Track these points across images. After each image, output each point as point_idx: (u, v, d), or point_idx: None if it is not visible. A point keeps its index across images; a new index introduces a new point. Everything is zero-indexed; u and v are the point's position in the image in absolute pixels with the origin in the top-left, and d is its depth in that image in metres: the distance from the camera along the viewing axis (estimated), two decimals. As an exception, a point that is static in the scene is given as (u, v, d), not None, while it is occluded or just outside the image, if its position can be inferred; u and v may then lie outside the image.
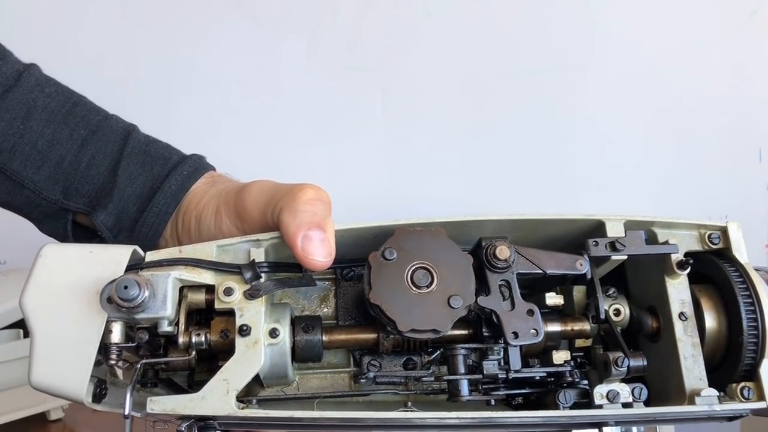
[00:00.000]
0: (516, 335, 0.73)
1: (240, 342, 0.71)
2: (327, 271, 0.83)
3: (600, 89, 1.45)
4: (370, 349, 0.79)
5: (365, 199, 1.38)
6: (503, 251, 0.75)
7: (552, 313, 0.81)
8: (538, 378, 0.75)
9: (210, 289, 0.72)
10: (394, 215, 0.78)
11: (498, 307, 0.74)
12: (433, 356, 0.79)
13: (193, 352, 0.71)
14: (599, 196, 1.43)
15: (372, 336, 0.78)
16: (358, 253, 0.79)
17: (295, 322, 0.76)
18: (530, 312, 0.74)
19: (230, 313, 0.72)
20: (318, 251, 0.72)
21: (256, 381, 0.72)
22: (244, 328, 0.70)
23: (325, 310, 0.82)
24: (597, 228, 0.78)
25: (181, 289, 0.72)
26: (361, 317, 0.82)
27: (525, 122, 1.47)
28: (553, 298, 0.80)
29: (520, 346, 0.74)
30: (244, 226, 0.76)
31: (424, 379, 0.76)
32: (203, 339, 0.71)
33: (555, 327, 0.80)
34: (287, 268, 0.75)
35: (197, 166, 0.84)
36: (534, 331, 0.74)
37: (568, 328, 0.80)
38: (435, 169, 1.44)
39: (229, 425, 0.68)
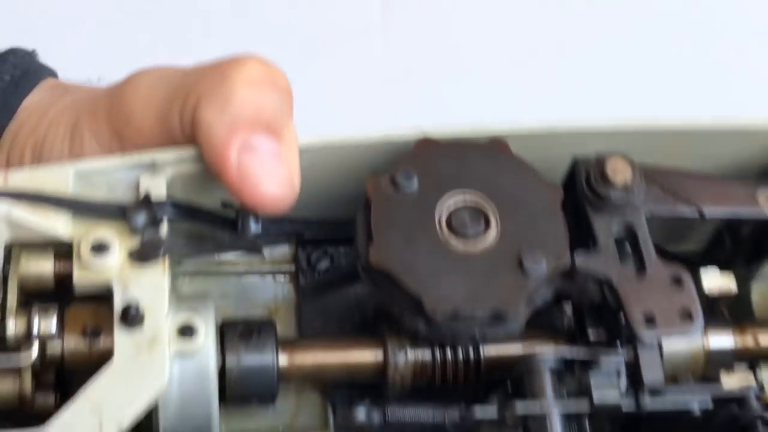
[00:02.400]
0: (651, 321, 0.68)
1: (124, 339, 0.66)
2: (282, 255, 0.82)
3: None
4: (367, 385, 0.74)
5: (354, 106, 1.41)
6: (620, 169, 0.71)
7: (715, 314, 0.77)
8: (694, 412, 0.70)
9: (64, 254, 0.70)
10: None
11: (614, 270, 0.70)
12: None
13: (34, 348, 0.67)
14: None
15: (372, 357, 0.73)
16: (343, 214, 0.77)
17: (224, 327, 0.73)
18: (677, 280, 0.70)
19: (100, 298, 0.69)
20: (268, 174, 0.69)
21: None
22: (133, 310, 0.66)
23: (279, 329, 0.77)
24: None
25: (9, 251, 0.70)
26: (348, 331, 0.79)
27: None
28: (715, 279, 0.75)
29: (661, 346, 0.70)
30: (127, 146, 0.74)
31: (477, 416, 0.69)
32: (54, 327, 0.67)
33: (723, 338, 0.76)
34: (209, 219, 0.73)
35: (26, 68, 0.84)
36: (686, 313, 0.69)
37: (750, 341, 0.76)
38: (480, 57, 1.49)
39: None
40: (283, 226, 0.76)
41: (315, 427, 0.78)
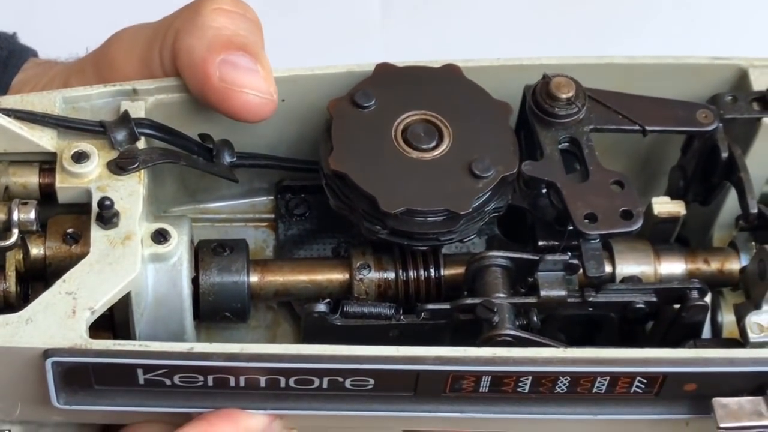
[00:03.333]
0: (593, 218, 0.71)
1: (99, 236, 0.70)
2: (263, 206, 0.85)
3: None
4: (335, 301, 0.75)
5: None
6: (564, 85, 0.74)
7: (667, 243, 0.79)
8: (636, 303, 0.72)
9: (48, 168, 0.73)
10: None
11: (559, 176, 0.72)
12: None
13: (15, 234, 0.69)
14: (728, 31, 1.43)
15: (340, 273, 0.76)
16: (316, 157, 0.79)
17: (200, 245, 0.76)
18: (618, 183, 0.72)
19: (80, 208, 0.72)
20: (249, 83, 0.72)
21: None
22: (108, 204, 0.69)
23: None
24: (735, 82, 0.79)
25: None
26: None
27: None
28: (664, 205, 0.77)
29: (612, 273, 0.75)
30: None
31: (430, 307, 0.72)
32: (32, 219, 0.70)
33: (675, 263, 0.78)
34: (186, 143, 0.76)
35: (11, 48, 0.88)
36: (627, 213, 0.71)
37: (702, 264, 0.78)
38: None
39: (73, 370, 0.66)
40: (258, 161, 0.79)
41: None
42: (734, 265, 0.78)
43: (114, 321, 0.73)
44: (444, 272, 0.75)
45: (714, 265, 0.78)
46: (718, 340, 0.78)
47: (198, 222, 0.83)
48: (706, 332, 0.78)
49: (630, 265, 0.77)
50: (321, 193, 0.79)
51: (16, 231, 0.69)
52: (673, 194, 0.80)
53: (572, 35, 1.47)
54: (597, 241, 0.71)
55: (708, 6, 1.49)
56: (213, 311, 0.75)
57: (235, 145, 0.77)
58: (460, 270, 0.75)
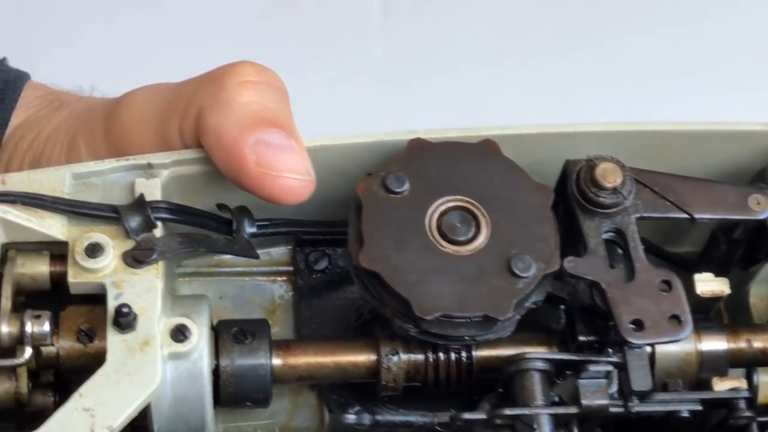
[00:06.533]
0: (640, 325, 0.68)
1: (117, 341, 0.67)
2: (281, 256, 0.82)
3: None
4: (361, 387, 0.75)
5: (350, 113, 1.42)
6: (610, 173, 0.70)
7: (708, 319, 0.77)
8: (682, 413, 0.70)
9: (59, 254, 0.70)
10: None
11: (603, 275, 0.69)
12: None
13: (28, 351, 0.67)
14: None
15: (366, 356, 0.73)
16: (336, 216, 0.77)
17: (219, 328, 0.73)
18: (666, 284, 0.69)
19: (95, 299, 0.69)
20: (287, 164, 0.69)
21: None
22: (125, 311, 0.66)
23: (276, 330, 0.78)
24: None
25: (5, 252, 0.70)
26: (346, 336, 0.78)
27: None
28: (708, 284, 0.74)
29: (651, 354, 0.71)
30: None
31: (466, 417, 0.68)
32: (46, 332, 0.67)
33: (716, 342, 0.76)
34: (204, 220, 0.73)
35: (4, 78, 0.84)
36: (675, 319, 0.68)
37: (743, 345, 0.76)
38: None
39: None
40: (279, 228, 0.76)
41: (311, 428, 0.78)
42: (778, 345, 0.76)
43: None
44: (476, 353, 0.72)
45: (757, 345, 0.76)
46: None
47: (213, 276, 0.81)
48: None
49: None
50: (342, 245, 0.77)
51: (29, 349, 0.66)
52: (712, 257, 0.78)
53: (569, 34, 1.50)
54: (643, 350, 0.69)
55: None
56: (233, 400, 0.72)
57: (254, 209, 0.73)
58: (493, 352, 0.72)
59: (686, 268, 0.81)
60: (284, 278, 0.82)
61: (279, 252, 0.82)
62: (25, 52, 0.92)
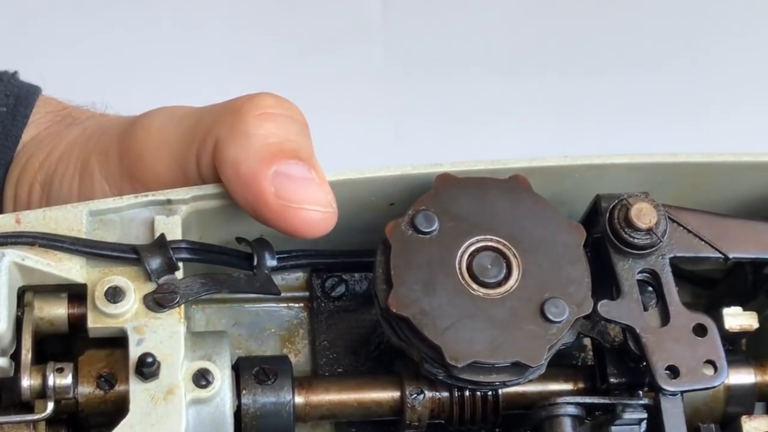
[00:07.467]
0: (675, 372, 0.67)
1: (139, 390, 0.65)
2: (296, 283, 0.81)
3: None
4: (384, 424, 0.74)
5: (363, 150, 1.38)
6: (645, 213, 0.69)
7: (735, 352, 0.77)
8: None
9: (77, 295, 0.68)
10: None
11: (638, 319, 0.68)
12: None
13: (50, 406, 0.65)
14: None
15: (390, 394, 0.73)
16: (356, 244, 0.77)
17: (240, 366, 0.72)
18: (701, 328, 0.69)
19: (115, 342, 0.68)
20: (308, 197, 0.68)
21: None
22: (149, 361, 0.65)
23: (293, 358, 0.77)
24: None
25: (22, 294, 0.68)
26: (364, 366, 0.78)
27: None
28: (736, 318, 0.73)
29: (683, 398, 0.69)
30: (139, 188, 0.73)
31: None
32: (69, 385, 0.66)
33: (743, 376, 0.76)
34: (224, 257, 0.71)
35: (16, 93, 0.82)
36: (710, 365, 0.68)
37: None
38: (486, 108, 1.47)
39: None
40: (300, 260, 0.75)
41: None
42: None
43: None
44: (502, 391, 0.71)
45: (784, 379, 0.76)
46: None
47: (226, 303, 0.79)
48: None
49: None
50: (359, 271, 0.77)
51: (51, 404, 0.65)
52: (736, 285, 0.78)
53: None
54: (678, 396, 0.68)
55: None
56: (255, 440, 0.72)
57: (274, 240, 0.72)
58: (520, 389, 0.71)
59: (704, 286, 0.81)
60: (300, 304, 0.81)
61: (294, 277, 0.81)
62: (38, 64, 0.91)
